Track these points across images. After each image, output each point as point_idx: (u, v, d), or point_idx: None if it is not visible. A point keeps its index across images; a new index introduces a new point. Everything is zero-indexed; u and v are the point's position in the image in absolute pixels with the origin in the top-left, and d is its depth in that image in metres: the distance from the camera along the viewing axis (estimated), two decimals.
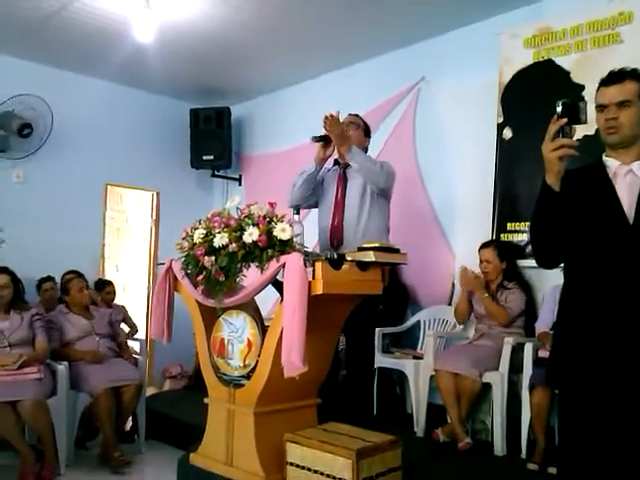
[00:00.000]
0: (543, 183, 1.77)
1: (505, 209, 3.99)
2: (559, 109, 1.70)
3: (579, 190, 1.81)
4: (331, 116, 3.14)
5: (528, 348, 3.35)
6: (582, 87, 3.64)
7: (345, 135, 3.20)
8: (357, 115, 3.48)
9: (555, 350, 1.93)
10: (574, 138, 1.72)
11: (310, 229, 3.53)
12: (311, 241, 3.86)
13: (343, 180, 3.29)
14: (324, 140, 3.24)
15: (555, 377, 1.89)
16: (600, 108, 1.81)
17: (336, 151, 3.30)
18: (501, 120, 4.03)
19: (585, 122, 1.71)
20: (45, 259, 4.81)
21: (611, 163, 1.82)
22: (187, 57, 5.04)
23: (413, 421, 3.79)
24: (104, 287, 4.95)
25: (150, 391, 4.88)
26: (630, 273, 1.71)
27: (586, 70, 3.63)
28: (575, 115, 1.70)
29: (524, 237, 3.84)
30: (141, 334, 5.20)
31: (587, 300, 1.80)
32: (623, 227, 1.73)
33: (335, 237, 3.22)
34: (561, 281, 3.48)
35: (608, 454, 1.74)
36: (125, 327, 4.86)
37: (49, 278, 4.67)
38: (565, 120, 1.69)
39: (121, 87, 5.72)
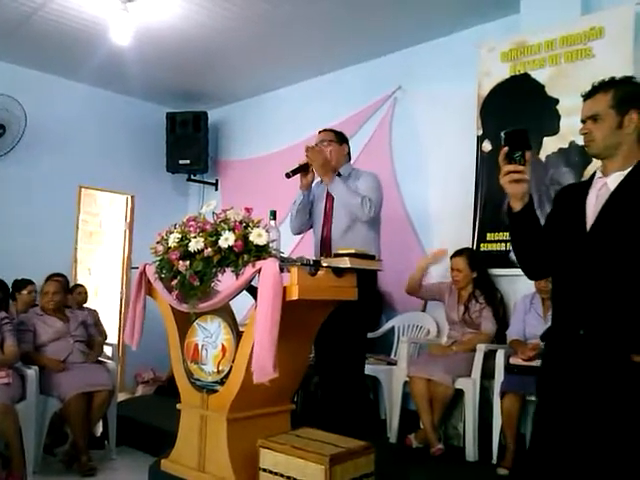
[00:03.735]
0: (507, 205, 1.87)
1: (485, 219, 4.01)
2: (502, 139, 1.79)
3: (562, 204, 1.92)
4: (314, 147, 3.17)
5: (500, 355, 3.40)
6: (556, 100, 3.71)
7: (327, 165, 3.18)
8: (324, 129, 3.44)
9: (543, 359, 1.98)
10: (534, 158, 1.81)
11: (290, 236, 3.55)
12: (288, 247, 3.88)
13: (331, 195, 3.29)
14: (298, 172, 3.23)
15: (543, 386, 1.92)
16: (582, 123, 1.87)
17: None
18: (480, 133, 4.07)
19: (529, 148, 1.80)
20: (16, 262, 4.71)
21: (597, 176, 1.88)
22: (164, 61, 5.01)
23: (386, 427, 3.81)
24: (75, 288, 4.87)
25: (122, 396, 4.82)
26: (586, 280, 1.77)
27: (560, 84, 3.70)
28: (519, 142, 1.78)
29: (503, 247, 3.87)
30: (113, 339, 5.13)
31: (558, 308, 1.90)
32: (580, 235, 1.80)
33: (325, 248, 3.23)
34: (532, 290, 3.57)
35: (580, 468, 1.75)
36: None
37: (30, 282, 4.53)
38: (506, 149, 1.78)
39: (97, 90, 5.67)
